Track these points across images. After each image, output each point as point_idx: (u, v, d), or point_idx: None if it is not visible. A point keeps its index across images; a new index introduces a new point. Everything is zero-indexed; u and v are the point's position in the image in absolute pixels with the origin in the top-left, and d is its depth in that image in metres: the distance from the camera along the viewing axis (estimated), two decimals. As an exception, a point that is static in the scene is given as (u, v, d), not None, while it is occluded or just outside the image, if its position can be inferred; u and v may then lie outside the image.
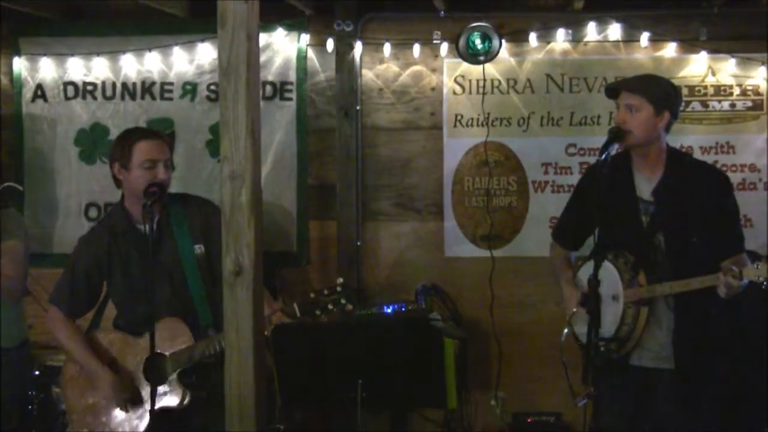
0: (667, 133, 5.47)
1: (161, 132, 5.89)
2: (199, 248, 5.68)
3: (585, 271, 5.42)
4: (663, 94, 5.44)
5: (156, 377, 5.35)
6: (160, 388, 5.44)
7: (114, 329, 5.80)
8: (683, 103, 7.42)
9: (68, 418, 5.95)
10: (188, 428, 5.57)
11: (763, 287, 4.90)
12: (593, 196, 5.33)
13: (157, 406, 5.31)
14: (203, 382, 5.50)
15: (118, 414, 5.64)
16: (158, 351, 5.36)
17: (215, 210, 5.54)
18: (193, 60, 8.19)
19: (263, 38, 7.48)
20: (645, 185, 5.47)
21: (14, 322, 6.34)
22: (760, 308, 7.22)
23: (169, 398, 5.48)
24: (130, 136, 5.69)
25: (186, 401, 5.48)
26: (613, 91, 5.57)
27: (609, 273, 5.38)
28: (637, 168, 5.51)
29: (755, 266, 4.89)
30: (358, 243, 8.05)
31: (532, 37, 7.90)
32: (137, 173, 5.56)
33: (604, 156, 5.17)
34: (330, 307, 5.33)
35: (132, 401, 5.59)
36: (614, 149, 5.33)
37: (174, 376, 5.49)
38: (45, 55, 8.29)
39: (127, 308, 5.74)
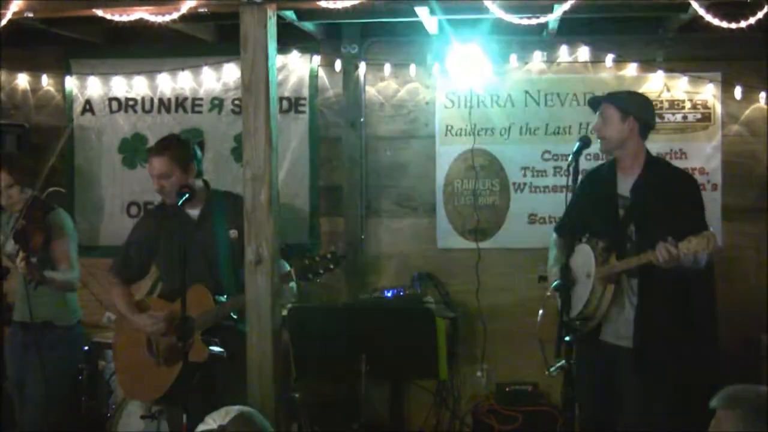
0: (643, 139, 5.51)
1: (171, 143, 5.89)
2: (233, 233, 5.74)
3: (573, 257, 5.41)
4: (628, 102, 5.52)
5: (184, 335, 5.40)
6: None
7: (156, 297, 6.00)
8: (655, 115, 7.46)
9: (116, 377, 6.10)
10: (215, 383, 5.63)
11: (691, 260, 4.89)
12: (581, 195, 5.43)
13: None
14: (226, 344, 5.53)
15: (154, 368, 5.74)
16: (187, 314, 5.41)
17: (240, 203, 5.55)
18: (219, 78, 8.18)
19: (280, 60, 7.46)
20: (624, 183, 5.49)
21: (69, 305, 6.37)
22: (709, 298, 7.24)
23: (193, 354, 5.51)
24: (150, 149, 5.81)
25: (206, 356, 5.50)
26: (595, 103, 5.67)
27: (586, 255, 5.40)
28: (619, 169, 5.54)
29: (688, 240, 4.85)
30: (362, 237, 8.03)
31: (513, 58, 7.89)
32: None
33: (573, 159, 5.19)
34: (321, 271, 5.41)
35: (166, 334, 5.73)
36: (583, 154, 5.34)
37: (198, 334, 5.55)
38: (92, 74, 8.29)
39: (167, 278, 5.88)
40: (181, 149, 5.85)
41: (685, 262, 4.99)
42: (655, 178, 5.44)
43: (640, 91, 7.56)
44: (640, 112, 5.50)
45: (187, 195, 5.54)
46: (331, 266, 5.47)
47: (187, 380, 5.45)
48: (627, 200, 5.46)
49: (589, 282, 5.33)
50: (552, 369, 5.18)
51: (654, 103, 7.53)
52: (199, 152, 6.00)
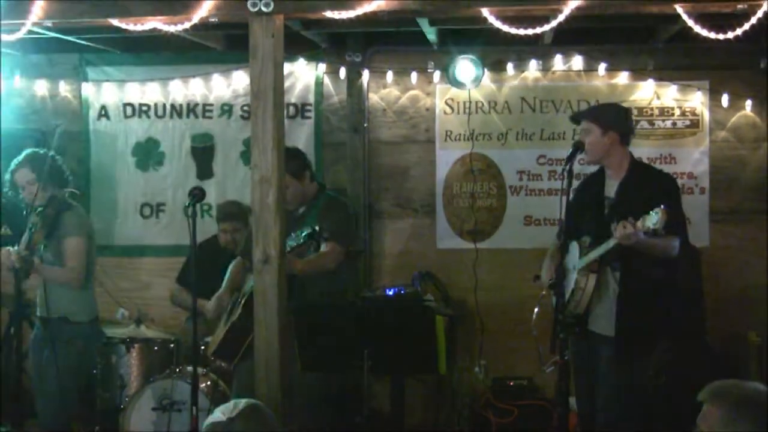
0: (626, 146, 5.61)
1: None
2: (311, 228, 5.93)
3: (567, 257, 5.49)
4: (608, 117, 5.63)
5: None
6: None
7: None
8: (634, 122, 7.49)
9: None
10: None
11: (661, 232, 4.97)
12: (575, 201, 5.53)
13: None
14: None
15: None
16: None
17: (332, 205, 6.29)
18: (229, 85, 8.19)
19: (287, 67, 7.45)
20: (611, 186, 5.60)
21: (85, 302, 6.37)
22: (696, 284, 7.27)
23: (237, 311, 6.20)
24: None
25: (237, 316, 6.12)
26: (575, 119, 5.83)
27: (573, 250, 5.50)
28: (607, 175, 5.65)
29: (642, 219, 4.97)
30: (365, 237, 8.03)
31: (509, 66, 7.90)
32: None
33: (568, 164, 5.27)
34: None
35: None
36: (578, 158, 5.40)
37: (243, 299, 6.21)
38: (108, 81, 8.29)
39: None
40: (292, 162, 6.03)
41: (650, 244, 5.13)
42: (638, 178, 5.55)
43: (632, 98, 7.67)
44: (619, 124, 5.61)
45: (197, 197, 5.51)
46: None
47: (233, 342, 6.14)
48: (612, 200, 5.56)
49: (574, 273, 5.42)
50: (547, 367, 5.22)
51: (644, 110, 7.66)
52: (308, 159, 6.46)
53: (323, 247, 6.17)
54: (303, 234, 5.79)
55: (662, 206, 4.92)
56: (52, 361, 6.09)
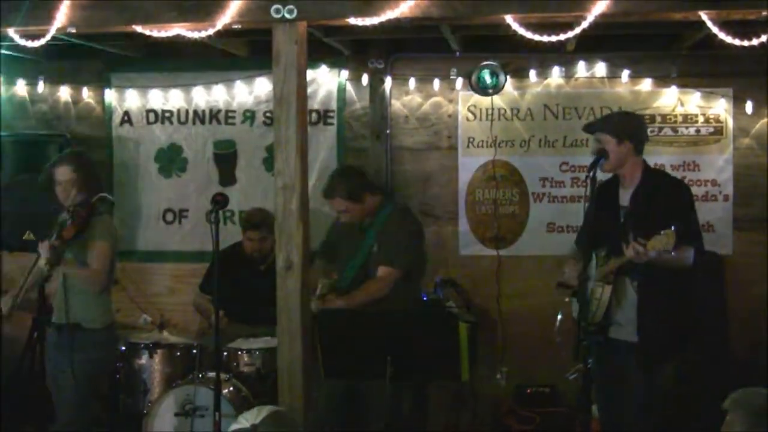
0: (640, 154, 5.57)
1: (337, 184, 6.31)
2: (375, 247, 6.17)
3: (590, 266, 5.49)
4: (622, 127, 5.57)
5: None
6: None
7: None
8: (655, 129, 7.65)
9: None
10: None
11: (670, 253, 4.98)
12: (592, 209, 5.44)
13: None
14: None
15: None
16: None
17: (394, 221, 6.22)
18: (252, 92, 8.21)
19: (310, 74, 7.43)
20: (625, 195, 5.57)
21: (101, 308, 6.33)
22: (719, 292, 7.25)
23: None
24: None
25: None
26: (589, 130, 5.81)
27: (594, 259, 5.49)
28: (621, 183, 5.62)
29: (653, 239, 4.98)
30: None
31: (532, 73, 7.90)
32: None
33: (591, 171, 5.29)
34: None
35: None
36: (600, 165, 5.39)
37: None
38: (131, 87, 8.33)
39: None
40: (352, 183, 6.23)
41: (663, 259, 5.08)
42: (651, 187, 5.52)
43: (655, 105, 7.66)
44: (633, 133, 5.56)
45: (221, 204, 5.50)
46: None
47: None
48: (627, 209, 5.54)
49: (591, 284, 5.42)
50: (570, 375, 5.22)
51: (668, 117, 7.65)
52: (369, 175, 6.70)
53: (378, 272, 6.17)
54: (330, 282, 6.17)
55: (672, 227, 4.92)
56: (66, 368, 6.09)
